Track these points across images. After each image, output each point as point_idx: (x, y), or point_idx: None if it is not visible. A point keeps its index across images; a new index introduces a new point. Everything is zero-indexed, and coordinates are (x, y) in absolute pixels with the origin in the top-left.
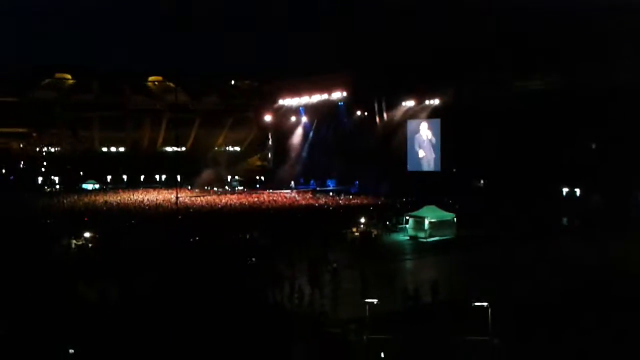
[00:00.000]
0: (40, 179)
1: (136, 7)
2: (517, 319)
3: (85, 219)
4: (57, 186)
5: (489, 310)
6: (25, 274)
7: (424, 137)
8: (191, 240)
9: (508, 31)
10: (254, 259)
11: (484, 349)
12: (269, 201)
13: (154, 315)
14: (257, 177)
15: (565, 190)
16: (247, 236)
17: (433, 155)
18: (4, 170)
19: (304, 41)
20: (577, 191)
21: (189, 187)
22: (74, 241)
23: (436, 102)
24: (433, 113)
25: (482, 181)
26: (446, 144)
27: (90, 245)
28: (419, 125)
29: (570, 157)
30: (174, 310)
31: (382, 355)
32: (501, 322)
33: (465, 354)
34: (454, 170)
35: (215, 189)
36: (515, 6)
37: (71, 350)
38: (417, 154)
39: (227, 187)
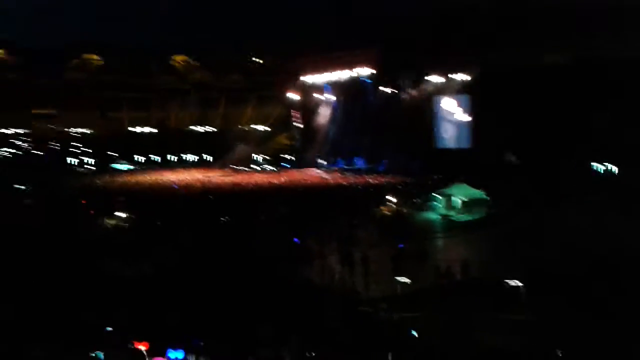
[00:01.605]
0: (72, 160)
1: None
2: (549, 297)
3: (122, 199)
4: (90, 167)
5: (521, 289)
6: (61, 251)
7: (453, 113)
8: (222, 219)
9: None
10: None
11: (516, 326)
12: (298, 180)
13: (185, 290)
14: (286, 156)
15: (601, 167)
16: (276, 215)
17: (462, 132)
18: (36, 152)
19: (329, 17)
20: (615, 168)
21: (218, 166)
22: (107, 221)
23: (465, 77)
24: (462, 89)
25: (513, 157)
26: (476, 121)
27: (124, 225)
28: (448, 101)
29: (606, 132)
30: (202, 286)
31: (414, 332)
32: (533, 300)
33: (496, 331)
34: (485, 147)
35: (244, 168)
36: None
37: (109, 328)
38: (445, 130)
39: (256, 166)
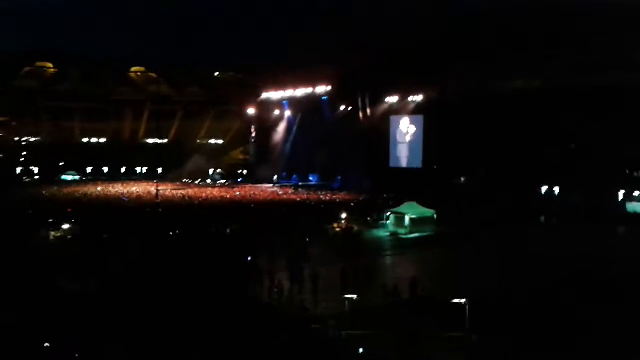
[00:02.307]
0: (19, 169)
1: None
2: (495, 314)
3: (69, 210)
4: (36, 177)
5: (467, 307)
6: (3, 265)
7: (407, 133)
8: (171, 233)
9: (492, 28)
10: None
11: (461, 345)
12: (250, 195)
13: (133, 306)
14: (239, 171)
15: (544, 188)
16: (228, 230)
17: (415, 152)
18: None
19: (289, 34)
20: (556, 189)
21: (170, 180)
22: (52, 233)
23: (420, 98)
24: (416, 109)
25: (462, 179)
26: (428, 141)
27: (69, 237)
28: (402, 121)
29: (550, 156)
30: (152, 301)
31: (361, 350)
32: (479, 318)
33: (442, 350)
34: (435, 167)
35: (196, 182)
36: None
37: (46, 344)
38: (399, 150)
39: (208, 181)
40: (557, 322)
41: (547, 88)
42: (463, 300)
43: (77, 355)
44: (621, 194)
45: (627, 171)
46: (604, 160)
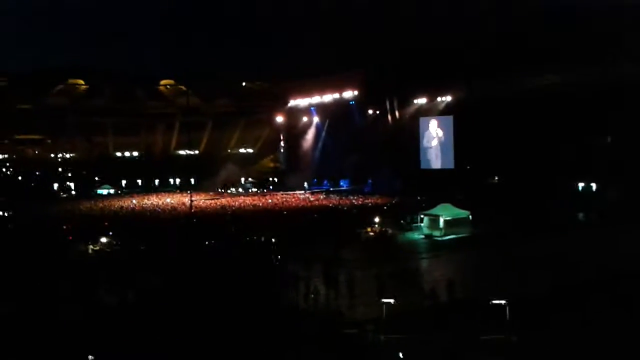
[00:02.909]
0: (55, 185)
1: (144, 8)
2: (534, 315)
3: (105, 224)
4: (73, 192)
5: (507, 308)
6: (42, 278)
7: (437, 134)
8: (207, 243)
9: (518, 29)
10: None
11: (502, 347)
12: (283, 203)
13: (168, 316)
14: (270, 179)
15: (581, 185)
16: (262, 238)
17: (446, 153)
18: (20, 178)
19: (314, 41)
20: (593, 186)
21: (203, 190)
22: (90, 247)
23: (448, 99)
24: (445, 110)
25: (496, 178)
26: (459, 141)
27: (107, 250)
28: (431, 122)
29: (586, 152)
30: (187, 311)
31: (400, 355)
32: (519, 319)
33: (482, 352)
34: (468, 167)
35: (229, 191)
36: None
37: (91, 357)
38: (429, 151)
39: (240, 189)
40: (593, 323)
41: (579, 82)
42: (503, 302)
43: None
44: None
45: None
46: None
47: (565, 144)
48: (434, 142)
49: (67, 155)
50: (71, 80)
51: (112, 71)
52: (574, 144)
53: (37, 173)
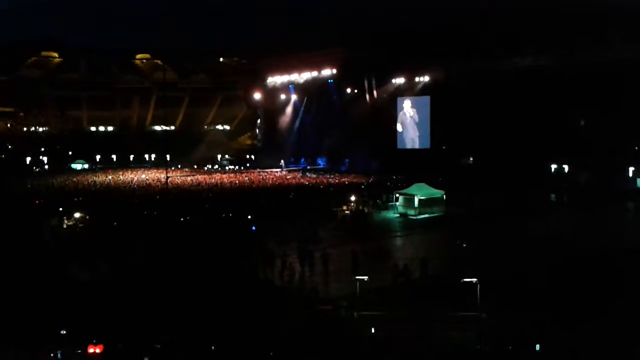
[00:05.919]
0: (28, 159)
1: None
2: (505, 294)
3: (78, 199)
4: (46, 166)
5: (478, 286)
6: (15, 254)
7: (413, 114)
8: (182, 219)
9: (496, 8)
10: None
11: (472, 323)
12: (259, 180)
13: (144, 291)
14: (247, 156)
15: (553, 167)
16: (238, 215)
17: (423, 133)
18: None
19: (293, 18)
20: (566, 168)
21: (179, 166)
22: (65, 221)
23: (426, 79)
24: (423, 90)
25: (471, 158)
26: (436, 122)
27: (80, 225)
28: (409, 102)
29: (559, 134)
30: (163, 286)
31: (373, 330)
32: (490, 297)
33: (453, 328)
34: (444, 147)
35: (205, 168)
36: None
37: (63, 332)
38: (406, 131)
39: (217, 166)
40: (565, 300)
41: (554, 66)
42: (474, 280)
43: (94, 341)
44: (631, 170)
45: (637, 148)
46: (613, 137)
47: (539, 125)
48: (411, 123)
49: (41, 129)
50: (45, 53)
51: (87, 44)
52: (548, 125)
53: (10, 146)
